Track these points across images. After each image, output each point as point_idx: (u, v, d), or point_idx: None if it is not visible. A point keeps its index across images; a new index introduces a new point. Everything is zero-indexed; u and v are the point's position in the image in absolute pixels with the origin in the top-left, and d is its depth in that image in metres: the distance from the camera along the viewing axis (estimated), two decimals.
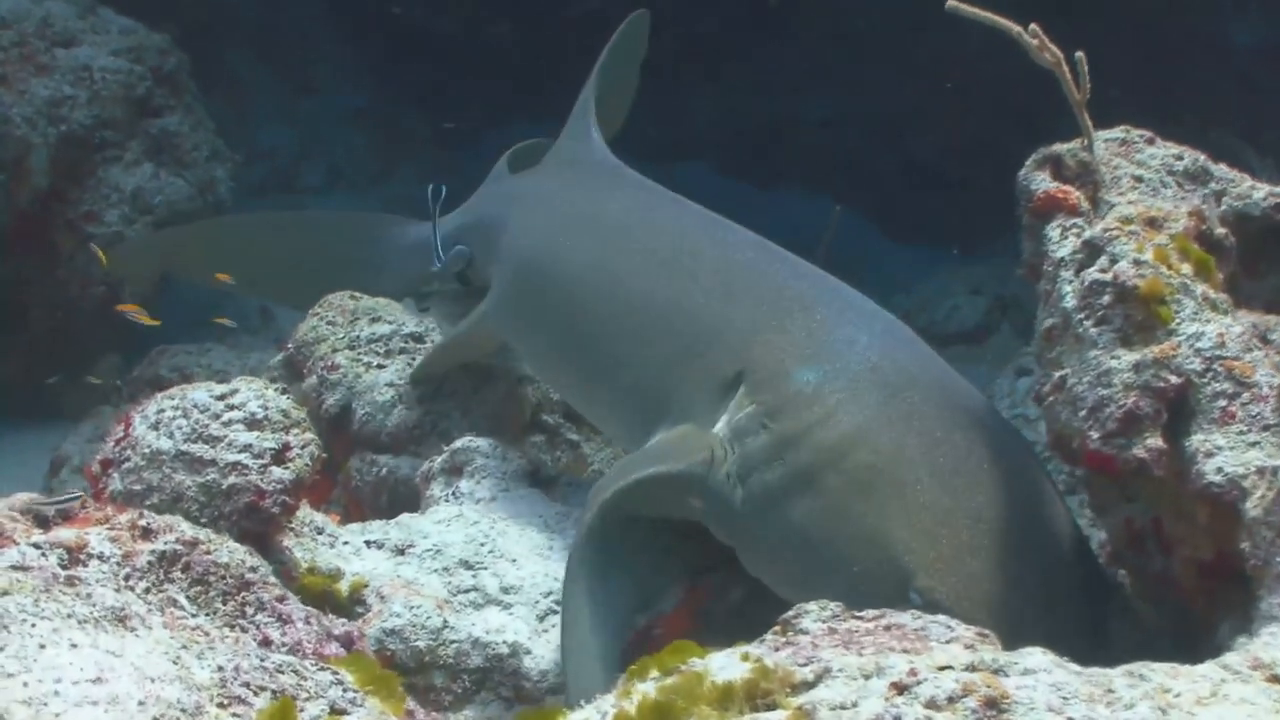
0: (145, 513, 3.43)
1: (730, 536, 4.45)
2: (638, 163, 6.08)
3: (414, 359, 6.23)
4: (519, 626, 4.50)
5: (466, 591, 4.63)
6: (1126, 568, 4.10)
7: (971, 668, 2.80)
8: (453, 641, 4.36)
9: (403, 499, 5.85)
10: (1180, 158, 4.44)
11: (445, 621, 4.38)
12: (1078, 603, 3.99)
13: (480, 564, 4.73)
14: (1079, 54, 4.26)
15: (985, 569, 3.92)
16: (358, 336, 6.32)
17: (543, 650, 4.44)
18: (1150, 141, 4.50)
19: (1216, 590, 3.73)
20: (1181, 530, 3.76)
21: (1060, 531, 4.14)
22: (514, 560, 4.77)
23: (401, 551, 4.78)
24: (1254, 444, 3.63)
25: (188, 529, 3.42)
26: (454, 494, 5.26)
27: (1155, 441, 3.70)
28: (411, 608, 4.37)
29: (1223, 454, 3.62)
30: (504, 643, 4.40)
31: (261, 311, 9.08)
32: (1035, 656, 2.85)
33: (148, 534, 3.36)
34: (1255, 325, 4.02)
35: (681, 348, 4.75)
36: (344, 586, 4.44)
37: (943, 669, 2.80)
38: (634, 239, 5.36)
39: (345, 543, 4.77)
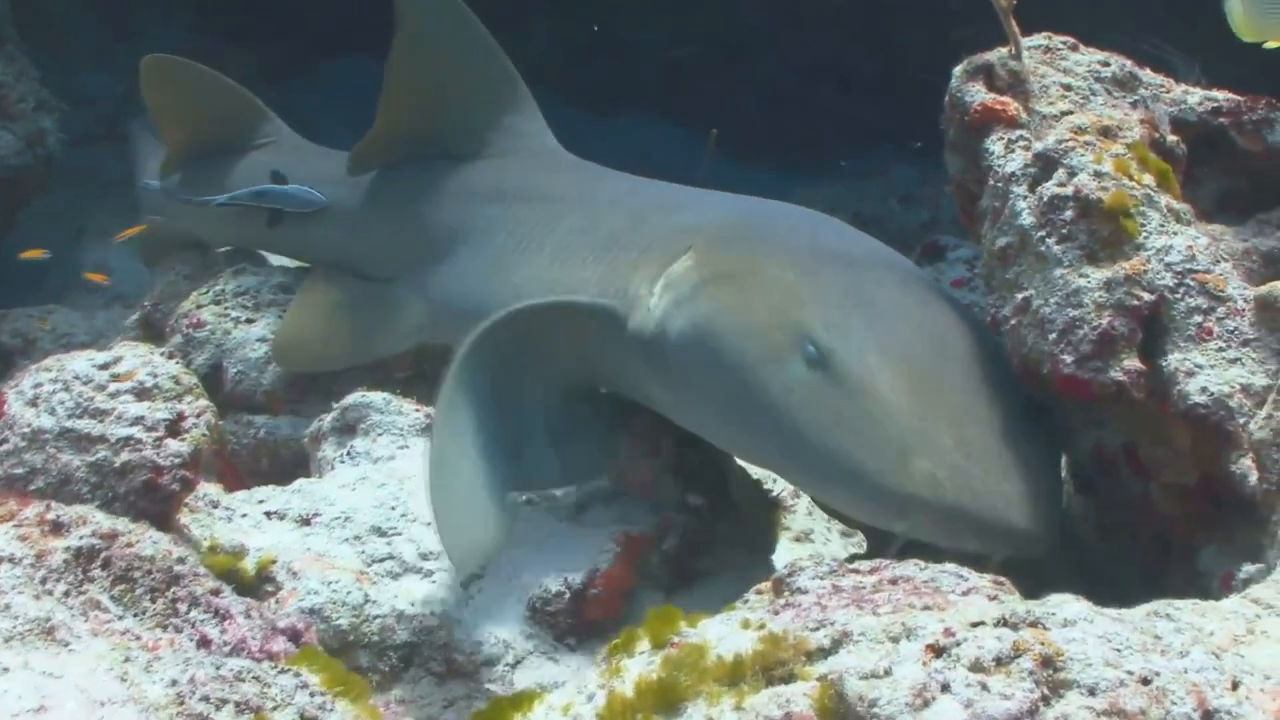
0: (53, 504, 3.05)
1: (642, 377, 4.44)
2: None
3: (285, 310, 5.84)
4: (444, 595, 4.18)
5: (382, 560, 4.30)
6: (1097, 494, 3.91)
7: (1005, 622, 2.57)
8: (376, 617, 4.02)
9: (285, 462, 5.49)
10: (1107, 64, 4.26)
11: (366, 595, 4.04)
12: (1013, 410, 3.83)
13: (394, 530, 4.39)
14: None
15: (897, 343, 3.86)
16: (222, 290, 5.91)
17: (473, 619, 4.13)
18: (1074, 48, 4.32)
19: (1199, 515, 3.56)
20: (1160, 454, 3.58)
21: (994, 364, 3.97)
22: (429, 523, 4.43)
23: (307, 521, 4.42)
24: (1235, 360, 3.46)
25: (103, 520, 3.04)
26: (349, 454, 4.90)
27: (1133, 363, 3.50)
28: (329, 583, 4.03)
29: (1204, 373, 3.45)
30: (431, 614, 4.07)
31: (99, 269, 8.54)
32: (1071, 605, 2.64)
33: (59, 529, 2.98)
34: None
35: (638, 247, 4.69)
36: (250, 564, 4.08)
37: (976, 625, 2.58)
38: (602, 198, 5.27)
39: (243, 515, 4.40)
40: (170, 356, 4.11)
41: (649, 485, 4.56)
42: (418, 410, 5.03)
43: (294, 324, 5.87)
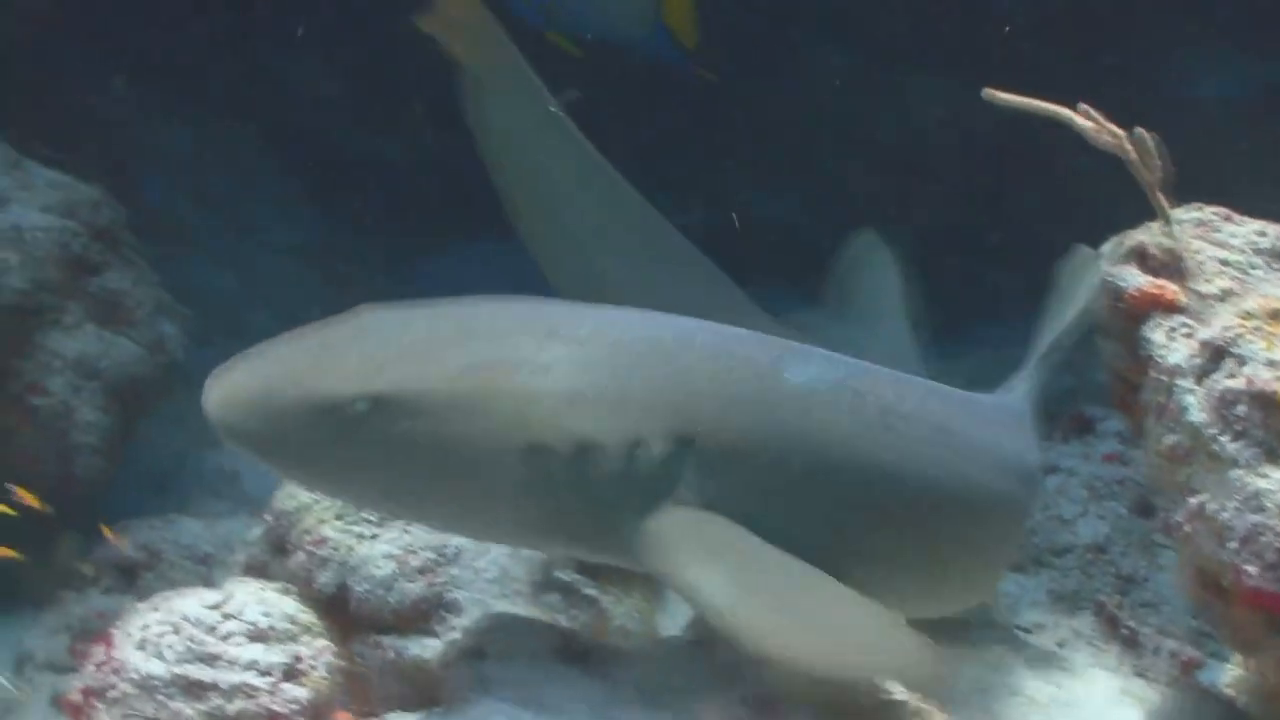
0: None
1: None
2: None
3: (409, 526, 5.63)
4: None
5: None
6: None
7: None
8: None
9: (417, 684, 5.25)
10: (1264, 234, 4.00)
11: None
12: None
13: None
14: (1140, 130, 3.83)
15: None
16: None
17: None
18: (1227, 219, 4.06)
19: None
20: None
21: None
22: None
23: None
24: None
25: None
26: (479, 680, 4.66)
27: None
28: None
29: None
30: None
31: (226, 474, 8.45)
32: None
33: None
34: None
35: None
36: None
37: None
38: None
39: None
40: (274, 584, 3.91)
41: None
42: (550, 629, 4.80)
43: None
